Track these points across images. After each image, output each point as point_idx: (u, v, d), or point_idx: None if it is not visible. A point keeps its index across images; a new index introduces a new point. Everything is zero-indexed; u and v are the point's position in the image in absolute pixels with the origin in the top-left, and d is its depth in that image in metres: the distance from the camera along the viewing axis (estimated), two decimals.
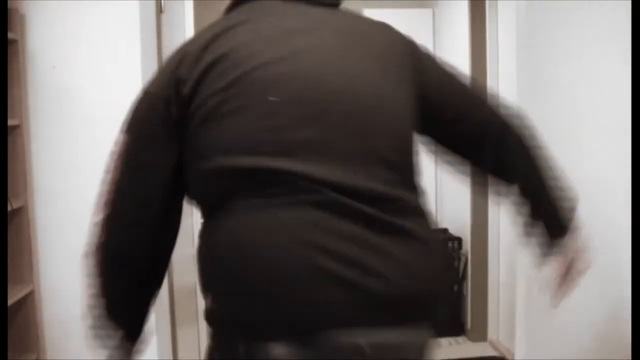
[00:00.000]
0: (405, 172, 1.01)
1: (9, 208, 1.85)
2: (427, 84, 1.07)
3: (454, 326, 3.56)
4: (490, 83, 3.28)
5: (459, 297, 3.56)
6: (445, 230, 3.77)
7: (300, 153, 0.91)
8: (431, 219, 1.04)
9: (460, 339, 3.54)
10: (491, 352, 3.32)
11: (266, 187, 0.91)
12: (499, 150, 1.12)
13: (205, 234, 0.99)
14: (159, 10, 2.18)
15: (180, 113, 0.95)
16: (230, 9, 1.06)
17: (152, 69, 2.08)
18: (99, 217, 1.02)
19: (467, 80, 1.14)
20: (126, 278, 1.05)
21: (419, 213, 1.01)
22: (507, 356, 3.15)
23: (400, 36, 1.09)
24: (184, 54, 0.98)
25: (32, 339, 1.97)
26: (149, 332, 1.12)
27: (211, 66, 0.94)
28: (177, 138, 0.97)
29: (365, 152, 0.95)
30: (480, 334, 3.45)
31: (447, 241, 3.53)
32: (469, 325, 3.50)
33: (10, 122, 1.86)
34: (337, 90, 0.95)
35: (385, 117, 0.98)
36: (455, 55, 3.61)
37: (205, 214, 1.01)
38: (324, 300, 0.88)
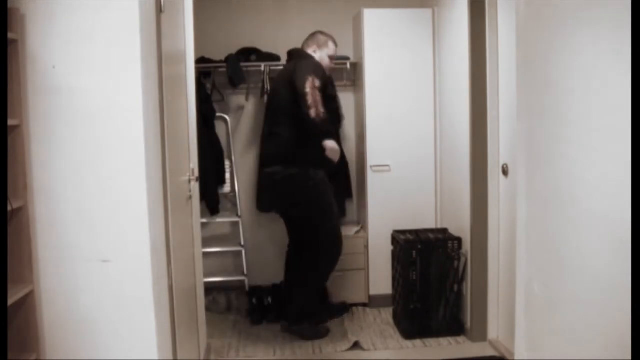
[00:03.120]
0: (284, 122, 3.51)
1: (9, 208, 1.85)
2: (294, 92, 3.39)
3: (454, 326, 3.57)
4: (490, 82, 3.29)
5: (459, 297, 3.56)
6: (445, 230, 3.77)
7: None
8: (285, 136, 3.51)
9: (460, 339, 3.54)
10: (491, 352, 3.32)
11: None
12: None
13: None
14: (159, 10, 2.18)
15: None
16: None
17: (152, 68, 2.08)
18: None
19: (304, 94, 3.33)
20: None
21: (283, 134, 3.50)
22: (507, 356, 3.15)
23: (296, 70, 3.43)
24: None
25: (32, 339, 1.97)
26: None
27: None
28: None
29: (275, 114, 3.62)
30: (480, 334, 3.45)
31: (447, 241, 3.54)
32: (469, 325, 3.50)
33: (10, 122, 1.86)
34: (274, 98, 3.72)
35: (281, 104, 3.55)
36: (455, 55, 3.61)
37: None
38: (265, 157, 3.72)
